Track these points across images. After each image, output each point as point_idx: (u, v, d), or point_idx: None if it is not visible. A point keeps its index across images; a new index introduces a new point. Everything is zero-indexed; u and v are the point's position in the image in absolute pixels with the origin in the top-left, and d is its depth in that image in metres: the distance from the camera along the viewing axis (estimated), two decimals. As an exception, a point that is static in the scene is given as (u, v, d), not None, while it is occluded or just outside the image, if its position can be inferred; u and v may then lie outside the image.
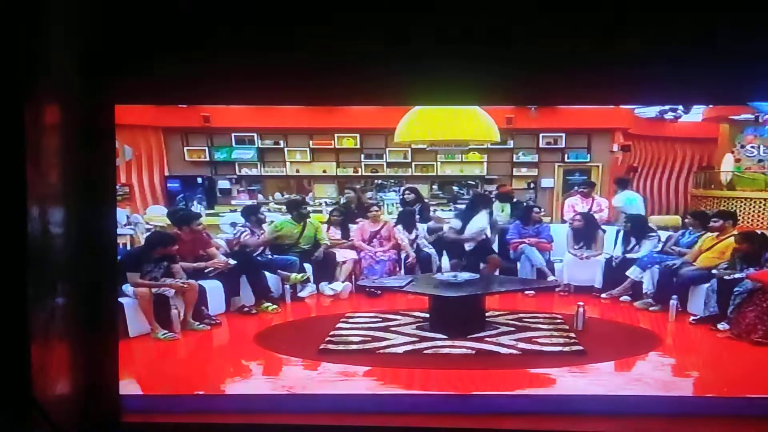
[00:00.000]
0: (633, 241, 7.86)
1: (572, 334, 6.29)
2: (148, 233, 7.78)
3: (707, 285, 6.67)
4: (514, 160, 11.10)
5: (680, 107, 10.85)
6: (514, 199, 9.56)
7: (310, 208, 9.87)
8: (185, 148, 10.93)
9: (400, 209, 9.34)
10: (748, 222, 9.60)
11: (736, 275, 6.47)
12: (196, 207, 9.78)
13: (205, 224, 7.67)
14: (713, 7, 3.81)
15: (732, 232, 7.08)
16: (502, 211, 9.09)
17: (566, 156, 10.99)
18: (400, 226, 8.41)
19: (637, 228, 8.03)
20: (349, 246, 8.29)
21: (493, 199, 9.43)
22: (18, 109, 2.99)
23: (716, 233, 7.21)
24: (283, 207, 9.20)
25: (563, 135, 10.87)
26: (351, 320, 6.87)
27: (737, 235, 6.90)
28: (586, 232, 8.28)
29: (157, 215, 8.83)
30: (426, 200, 9.99)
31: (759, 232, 7.42)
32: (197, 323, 6.48)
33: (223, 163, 11.07)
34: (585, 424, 4.45)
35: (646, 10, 3.82)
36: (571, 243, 8.26)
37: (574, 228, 8.31)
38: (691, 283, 6.91)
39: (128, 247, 7.71)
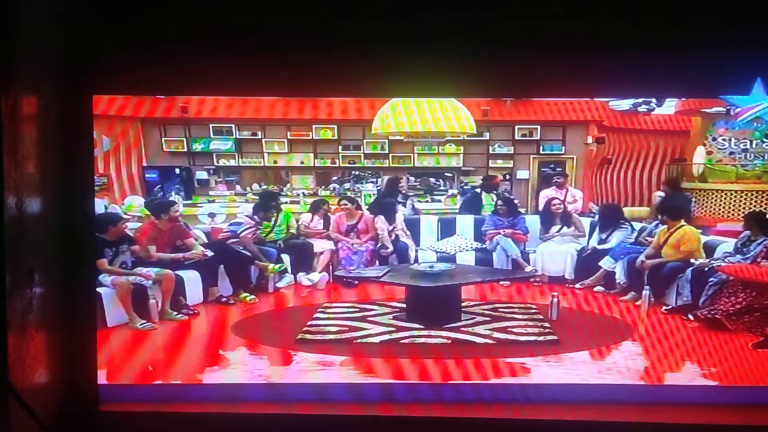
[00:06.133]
0: (606, 231, 7.97)
1: (547, 324, 6.37)
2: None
3: (681, 275, 6.78)
4: (490, 151, 11.18)
5: (653, 100, 10.99)
6: (497, 190, 9.73)
7: (287, 199, 9.91)
8: (163, 139, 10.89)
9: (385, 200, 9.36)
10: (719, 213, 9.74)
11: (713, 264, 6.59)
12: (174, 197, 9.75)
13: (182, 213, 7.66)
14: (686, 2, 3.88)
15: (678, 225, 7.23)
16: (490, 201, 9.21)
17: (541, 148, 11.10)
18: (381, 217, 8.43)
19: (609, 218, 8.16)
20: (326, 236, 8.32)
21: (480, 191, 9.61)
22: (-5, 100, 2.98)
23: (665, 226, 7.36)
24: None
25: (538, 127, 10.96)
26: (328, 310, 6.92)
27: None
28: (564, 217, 8.43)
29: (136, 205, 8.80)
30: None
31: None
32: (175, 313, 6.49)
33: (200, 154, 11.03)
34: (559, 413, 4.52)
35: (621, 5, 3.89)
36: (549, 226, 8.41)
37: (554, 212, 8.42)
38: (668, 274, 6.99)
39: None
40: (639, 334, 6.33)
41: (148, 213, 7.74)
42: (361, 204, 9.16)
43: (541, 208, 9.07)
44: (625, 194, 11.65)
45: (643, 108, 11.31)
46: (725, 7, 3.85)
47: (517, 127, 10.96)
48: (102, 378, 4.42)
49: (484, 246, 8.44)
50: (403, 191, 8.97)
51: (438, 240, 8.70)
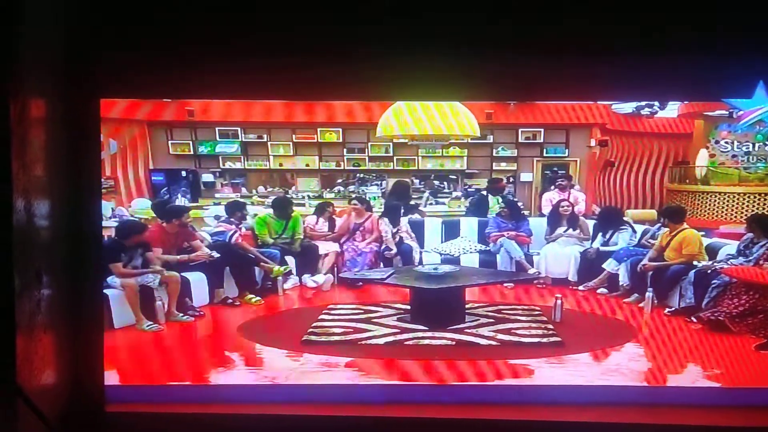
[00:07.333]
0: (607, 233, 8.00)
1: (550, 326, 6.38)
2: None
3: (684, 277, 6.79)
4: (494, 154, 11.20)
5: (656, 103, 11.02)
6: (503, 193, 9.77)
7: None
8: (169, 142, 10.94)
9: (391, 203, 9.39)
10: (721, 216, 9.75)
11: (716, 266, 6.61)
12: (180, 200, 9.80)
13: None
14: (689, 5, 3.90)
15: (679, 228, 7.25)
16: (497, 203, 9.25)
17: (545, 151, 11.12)
18: (386, 219, 8.46)
19: (608, 220, 8.20)
20: (332, 238, 8.35)
21: (486, 193, 9.65)
22: (3, 104, 3.00)
23: (667, 229, 7.39)
24: (267, 201, 9.24)
25: (542, 130, 10.99)
26: (333, 312, 6.94)
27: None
28: (571, 218, 8.44)
29: (143, 208, 8.84)
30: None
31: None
32: (181, 314, 6.54)
33: (207, 157, 11.09)
34: (562, 414, 4.52)
35: (623, 8, 3.90)
36: (555, 227, 8.43)
37: (562, 214, 8.45)
38: (671, 277, 7.00)
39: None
40: (642, 336, 6.35)
41: (155, 215, 7.78)
42: (371, 205, 9.18)
43: (545, 210, 9.08)
44: (628, 197, 11.69)
45: (645, 111, 11.35)
46: (727, 9, 3.87)
47: (520, 130, 11.00)
48: (108, 379, 4.44)
49: (487, 248, 8.46)
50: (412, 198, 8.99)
51: (442, 242, 8.73)
